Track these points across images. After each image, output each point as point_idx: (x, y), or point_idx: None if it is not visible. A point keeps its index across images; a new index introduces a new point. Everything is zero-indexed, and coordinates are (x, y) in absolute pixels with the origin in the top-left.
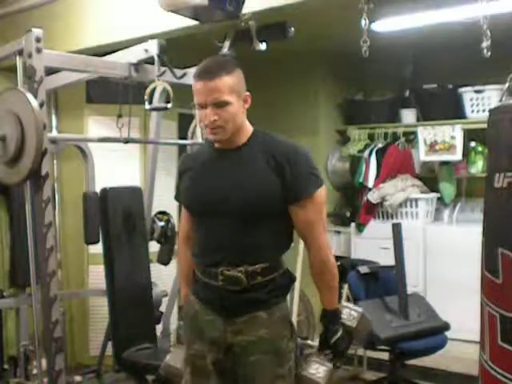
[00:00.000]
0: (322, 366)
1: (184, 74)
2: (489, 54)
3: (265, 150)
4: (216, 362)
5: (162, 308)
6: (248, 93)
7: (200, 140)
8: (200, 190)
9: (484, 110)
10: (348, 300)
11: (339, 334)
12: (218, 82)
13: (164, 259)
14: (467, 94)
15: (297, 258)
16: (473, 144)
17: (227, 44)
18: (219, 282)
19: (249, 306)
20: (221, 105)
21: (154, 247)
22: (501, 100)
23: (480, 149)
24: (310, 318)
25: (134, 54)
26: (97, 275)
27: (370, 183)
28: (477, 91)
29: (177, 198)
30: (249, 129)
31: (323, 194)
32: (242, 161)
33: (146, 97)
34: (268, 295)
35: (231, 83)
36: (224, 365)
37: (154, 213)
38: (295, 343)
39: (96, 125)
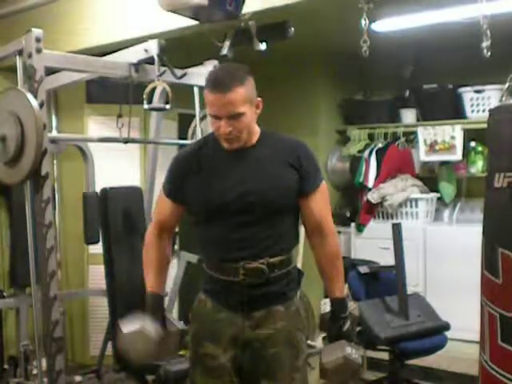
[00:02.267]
0: (353, 349)
1: (184, 74)
2: (489, 54)
3: (276, 147)
4: (234, 360)
5: None
6: (259, 98)
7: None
8: (217, 190)
9: (484, 110)
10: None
11: (349, 322)
12: (231, 95)
13: None
14: (467, 93)
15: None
16: (473, 144)
17: (227, 44)
18: (240, 276)
19: (267, 301)
20: (235, 117)
21: None
22: (501, 100)
23: (480, 149)
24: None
25: (134, 54)
26: (97, 275)
27: (370, 183)
28: (477, 91)
29: (172, 195)
30: (258, 130)
31: (326, 188)
32: (257, 157)
33: (144, 96)
34: (285, 288)
35: (244, 94)
36: (241, 361)
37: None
38: (306, 336)
39: (96, 125)
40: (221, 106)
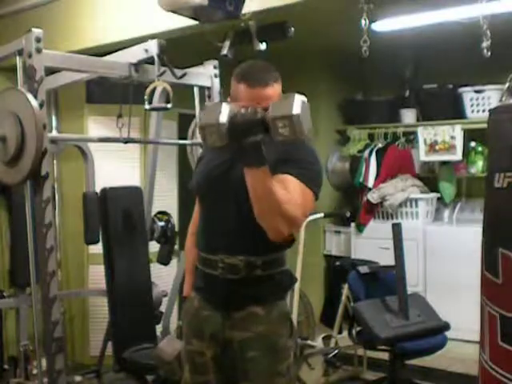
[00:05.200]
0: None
1: (184, 74)
2: (489, 54)
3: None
4: (215, 358)
5: (162, 308)
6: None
7: (200, 140)
8: (205, 169)
9: (484, 110)
10: (348, 301)
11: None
12: (270, 90)
13: (164, 259)
14: (467, 93)
15: (297, 258)
16: (473, 144)
17: (227, 44)
18: (218, 270)
19: (246, 301)
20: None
21: (154, 247)
22: (501, 100)
23: (480, 149)
24: (309, 318)
25: (134, 54)
26: (97, 275)
27: (370, 183)
28: (477, 91)
29: (190, 186)
30: None
31: (309, 196)
32: None
33: (145, 97)
34: (266, 292)
35: (279, 90)
36: (222, 360)
37: (154, 213)
38: (295, 341)
39: (96, 125)
40: (257, 100)
